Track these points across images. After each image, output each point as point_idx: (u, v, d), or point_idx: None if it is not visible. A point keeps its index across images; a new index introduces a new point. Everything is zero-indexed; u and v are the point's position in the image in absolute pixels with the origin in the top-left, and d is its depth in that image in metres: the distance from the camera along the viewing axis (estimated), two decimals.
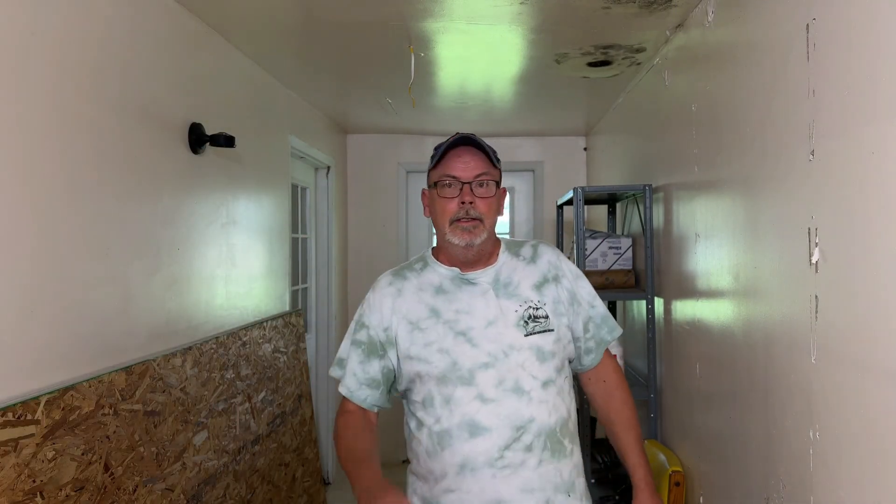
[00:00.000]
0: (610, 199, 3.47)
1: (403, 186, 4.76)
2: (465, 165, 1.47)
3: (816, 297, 1.40)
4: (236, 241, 2.67)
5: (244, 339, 2.63)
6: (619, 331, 1.63)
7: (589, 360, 1.61)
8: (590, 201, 3.59)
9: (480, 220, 1.46)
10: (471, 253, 1.49)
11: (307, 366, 3.40)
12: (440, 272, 1.55)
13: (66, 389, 1.54)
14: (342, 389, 1.60)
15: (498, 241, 1.59)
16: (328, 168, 4.19)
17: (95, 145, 1.75)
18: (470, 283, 1.51)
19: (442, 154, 1.49)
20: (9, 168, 1.46)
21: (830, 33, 1.34)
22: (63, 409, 1.52)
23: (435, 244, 1.62)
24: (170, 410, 1.98)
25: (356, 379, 1.56)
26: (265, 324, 2.89)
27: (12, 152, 1.47)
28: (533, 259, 1.57)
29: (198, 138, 2.28)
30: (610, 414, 1.60)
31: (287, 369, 3.09)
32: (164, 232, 2.10)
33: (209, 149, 2.39)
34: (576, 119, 4.17)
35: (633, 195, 3.03)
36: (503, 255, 1.56)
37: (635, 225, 3.08)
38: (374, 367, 1.54)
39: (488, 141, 1.56)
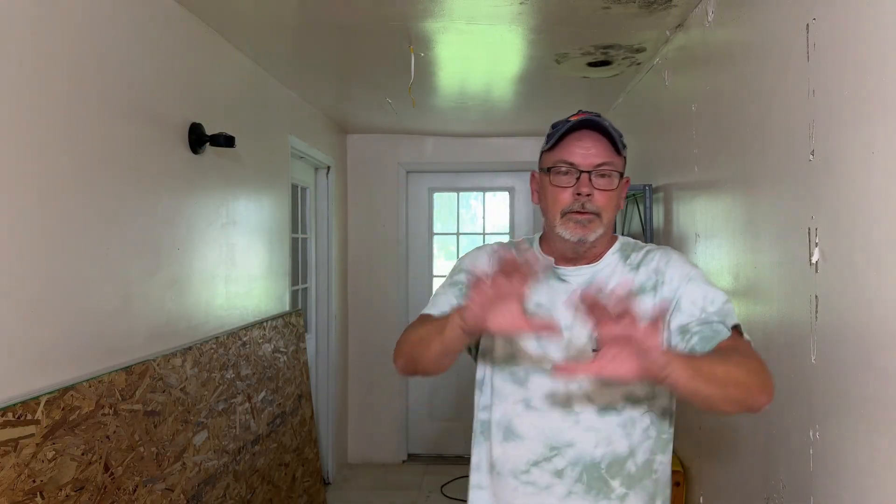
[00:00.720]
0: None
1: (403, 186, 4.76)
2: (585, 152, 1.28)
3: (816, 297, 1.40)
4: (236, 241, 2.67)
5: (244, 339, 2.63)
6: (732, 319, 1.25)
7: (700, 348, 1.22)
8: None
9: (598, 214, 1.29)
10: (582, 249, 1.32)
11: (307, 366, 3.40)
12: (538, 258, 1.37)
13: (66, 389, 1.54)
14: (430, 310, 1.40)
15: (613, 238, 1.39)
16: (328, 168, 4.19)
17: (95, 145, 1.75)
18: (560, 278, 1.35)
19: (561, 136, 1.31)
20: (9, 168, 1.46)
21: (830, 33, 1.34)
22: (63, 409, 1.52)
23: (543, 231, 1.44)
24: (170, 410, 1.98)
25: (450, 306, 1.37)
26: (265, 324, 2.88)
27: (12, 152, 1.47)
28: (637, 266, 1.34)
29: (198, 138, 2.28)
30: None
31: (287, 369, 3.09)
32: (164, 232, 2.10)
33: (209, 149, 2.39)
34: None
35: (633, 195, 3.03)
36: (610, 257, 1.36)
37: (635, 225, 3.08)
38: None
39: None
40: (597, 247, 1.34)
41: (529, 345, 1.32)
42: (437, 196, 4.92)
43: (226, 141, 2.31)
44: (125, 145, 1.89)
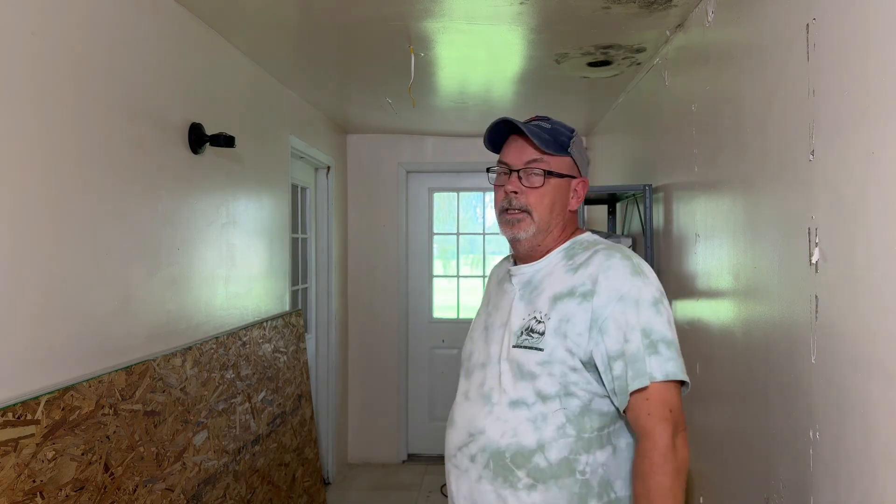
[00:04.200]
0: (610, 199, 3.47)
1: (403, 186, 4.76)
2: (518, 151, 1.37)
3: (816, 297, 1.40)
4: (236, 241, 2.67)
5: (244, 339, 2.63)
6: (645, 378, 1.23)
7: (618, 402, 1.29)
8: (590, 201, 3.59)
9: (528, 211, 1.34)
10: (520, 248, 1.39)
11: (307, 366, 3.40)
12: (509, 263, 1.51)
13: (66, 389, 1.54)
14: None
15: (568, 236, 1.41)
16: (328, 168, 4.19)
17: (94, 145, 1.75)
18: (510, 279, 1.43)
19: (499, 139, 1.42)
20: (9, 168, 1.46)
21: (830, 33, 1.34)
22: (63, 409, 1.52)
23: None
24: (170, 410, 1.98)
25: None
26: (265, 324, 2.88)
27: (11, 154, 1.47)
28: (577, 268, 1.33)
29: (198, 138, 2.28)
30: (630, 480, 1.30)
31: (287, 369, 3.09)
32: (164, 232, 2.10)
33: (209, 149, 2.39)
34: (576, 119, 4.17)
35: (633, 195, 3.03)
36: (554, 256, 1.38)
37: (635, 225, 3.08)
38: None
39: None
40: (542, 245, 1.38)
41: (480, 344, 1.43)
42: (437, 196, 4.92)
43: (226, 141, 2.31)
44: (125, 145, 1.89)
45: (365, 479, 4.39)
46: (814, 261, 1.40)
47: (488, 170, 1.43)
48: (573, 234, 1.42)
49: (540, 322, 1.31)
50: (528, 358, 1.30)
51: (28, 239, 1.52)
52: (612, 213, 3.61)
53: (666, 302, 1.32)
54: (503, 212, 1.37)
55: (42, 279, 1.56)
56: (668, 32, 2.47)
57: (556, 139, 1.36)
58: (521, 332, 1.33)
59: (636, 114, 3.19)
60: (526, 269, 1.39)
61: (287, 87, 3.34)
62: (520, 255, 1.42)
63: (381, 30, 2.47)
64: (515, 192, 1.35)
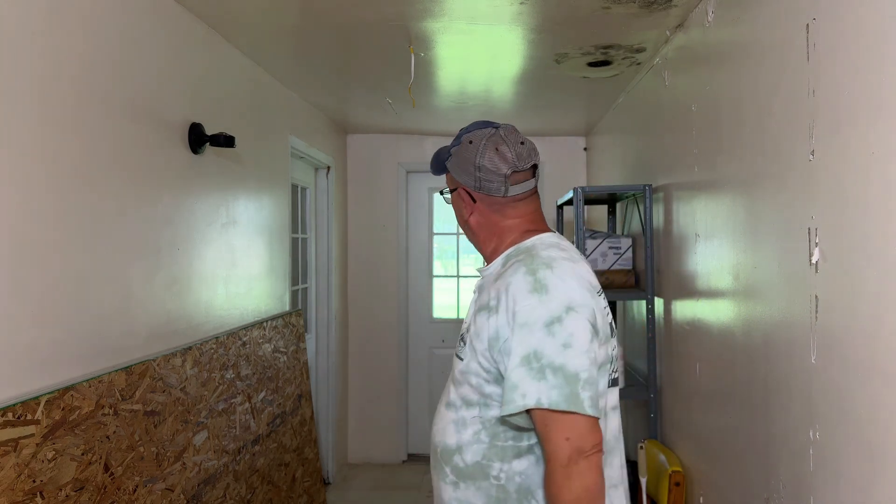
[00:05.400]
0: (610, 199, 3.47)
1: (403, 186, 4.76)
2: None
3: (816, 297, 1.40)
4: (236, 242, 2.67)
5: (244, 339, 2.63)
6: (531, 401, 1.17)
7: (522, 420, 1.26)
8: (590, 201, 3.59)
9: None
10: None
11: (307, 366, 3.40)
12: None
13: (66, 389, 1.54)
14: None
15: (506, 242, 1.40)
16: (328, 168, 4.19)
17: (95, 146, 1.75)
18: None
19: None
20: (9, 169, 1.46)
21: (830, 33, 1.34)
22: (63, 409, 1.52)
23: None
24: (170, 410, 1.98)
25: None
26: (265, 324, 2.89)
27: (12, 153, 1.47)
28: (497, 278, 1.32)
29: (198, 138, 2.28)
30: None
31: (287, 369, 3.09)
32: (164, 232, 2.10)
33: (209, 149, 2.39)
34: (576, 119, 4.17)
35: (633, 195, 3.03)
36: (497, 262, 1.39)
37: (635, 225, 3.08)
38: None
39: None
40: (487, 253, 1.44)
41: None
42: (437, 196, 4.92)
43: (226, 141, 2.31)
44: (125, 145, 1.89)
45: (365, 479, 4.39)
46: (814, 261, 1.40)
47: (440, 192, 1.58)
48: (524, 236, 1.38)
49: (468, 331, 1.34)
50: (456, 365, 1.38)
51: (28, 239, 1.52)
52: (612, 213, 3.61)
53: (569, 320, 1.20)
54: None
55: (42, 279, 1.56)
56: (668, 32, 2.47)
57: (438, 160, 1.45)
58: (460, 339, 1.40)
59: (636, 114, 3.19)
60: (483, 274, 1.44)
61: (287, 87, 3.34)
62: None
63: (381, 30, 2.47)
64: None
